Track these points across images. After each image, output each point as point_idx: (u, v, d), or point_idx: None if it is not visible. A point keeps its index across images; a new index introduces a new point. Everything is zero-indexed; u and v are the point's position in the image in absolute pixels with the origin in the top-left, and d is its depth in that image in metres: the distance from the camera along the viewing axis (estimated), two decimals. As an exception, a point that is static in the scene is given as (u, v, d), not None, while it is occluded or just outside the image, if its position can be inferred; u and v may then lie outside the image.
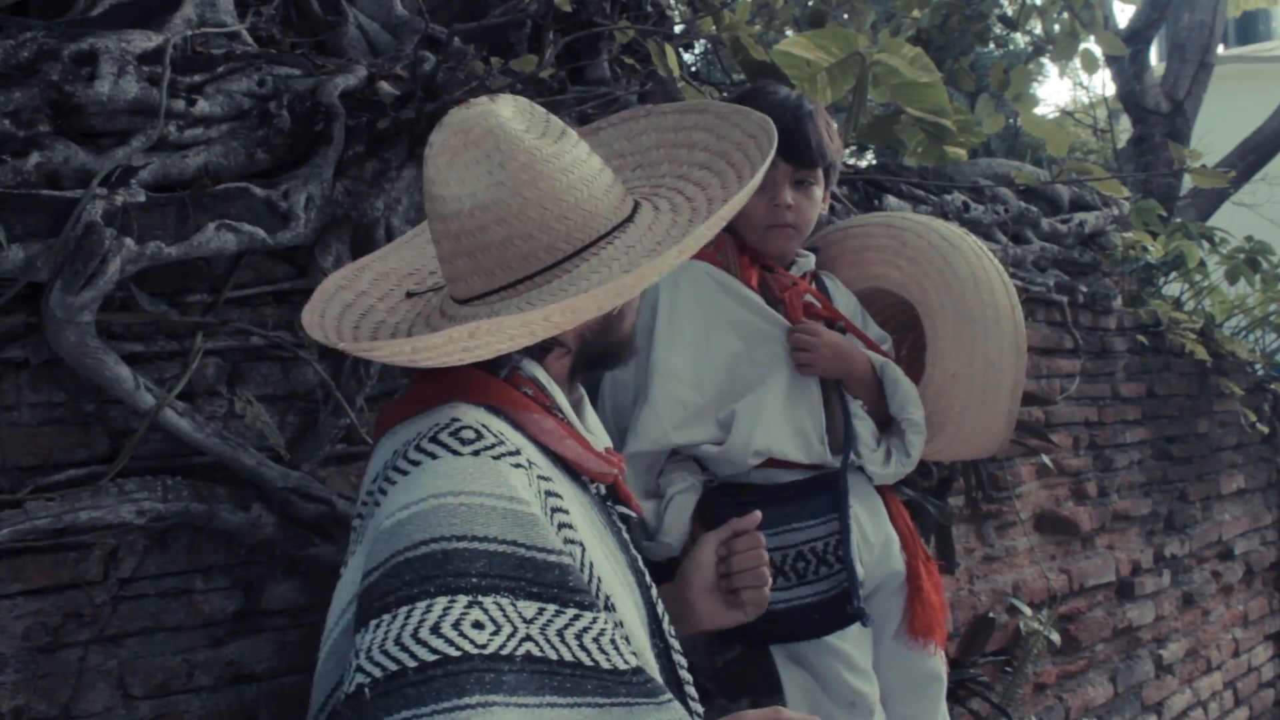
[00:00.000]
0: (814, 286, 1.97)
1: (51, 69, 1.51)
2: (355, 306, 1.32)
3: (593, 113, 2.17)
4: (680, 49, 2.78)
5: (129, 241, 1.47)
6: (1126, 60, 5.94)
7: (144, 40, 1.63)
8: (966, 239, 2.01)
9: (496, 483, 1.08)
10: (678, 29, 2.86)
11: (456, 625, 1.00)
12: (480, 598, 1.02)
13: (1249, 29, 15.74)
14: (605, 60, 2.40)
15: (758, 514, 1.45)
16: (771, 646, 1.86)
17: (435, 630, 0.99)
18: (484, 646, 1.00)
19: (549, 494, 1.14)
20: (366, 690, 0.98)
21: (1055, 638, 3.13)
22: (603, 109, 2.19)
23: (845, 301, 2.03)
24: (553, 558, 1.08)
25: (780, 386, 1.85)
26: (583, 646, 1.06)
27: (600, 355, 1.32)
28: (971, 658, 2.89)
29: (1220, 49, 6.85)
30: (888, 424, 1.95)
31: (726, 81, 3.12)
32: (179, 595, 1.56)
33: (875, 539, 1.91)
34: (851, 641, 1.84)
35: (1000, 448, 2.08)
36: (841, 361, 1.88)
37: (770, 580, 1.44)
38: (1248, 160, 6.21)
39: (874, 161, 3.93)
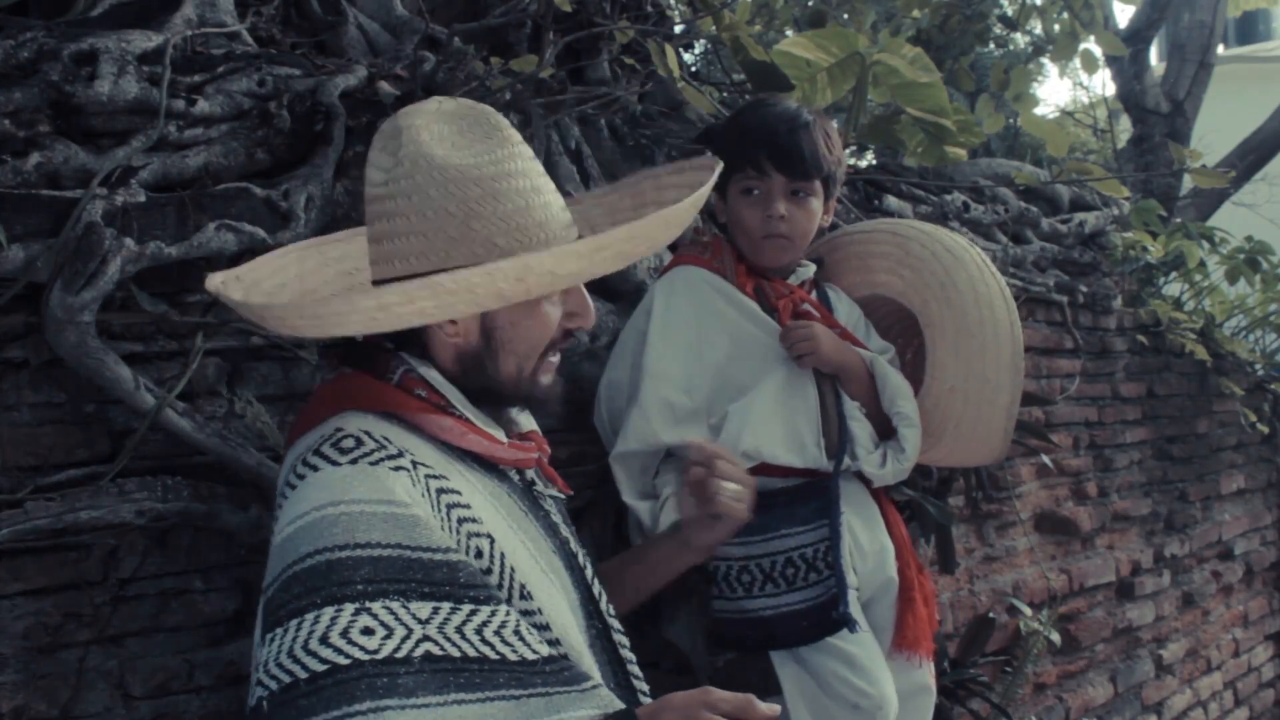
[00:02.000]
0: (813, 296, 1.96)
1: (51, 69, 1.51)
2: (306, 276, 1.36)
3: (593, 113, 2.17)
4: (680, 49, 2.78)
5: (129, 241, 1.47)
6: (1126, 60, 5.94)
7: (144, 40, 1.63)
8: (970, 251, 1.99)
9: (374, 489, 1.09)
10: (678, 29, 2.86)
11: (345, 633, 1.01)
12: (368, 604, 1.03)
13: (1249, 29, 15.74)
14: (605, 60, 2.40)
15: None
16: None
17: (324, 640, 1.01)
18: (375, 652, 1.01)
19: (441, 492, 1.15)
20: (265, 703, 1.01)
21: (1055, 638, 3.13)
22: (603, 109, 2.19)
23: (847, 313, 2.01)
24: (439, 556, 1.09)
25: (772, 390, 1.84)
26: (485, 641, 1.07)
27: (478, 390, 1.28)
28: (971, 658, 2.89)
29: (1220, 49, 6.85)
30: (887, 432, 1.94)
31: (726, 81, 3.12)
32: (179, 595, 1.56)
33: (870, 548, 1.90)
34: (855, 642, 1.82)
35: (997, 459, 2.08)
36: (839, 352, 1.88)
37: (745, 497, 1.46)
38: (1248, 160, 6.21)
39: (874, 161, 3.93)
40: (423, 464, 1.15)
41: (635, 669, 1.33)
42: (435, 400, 1.23)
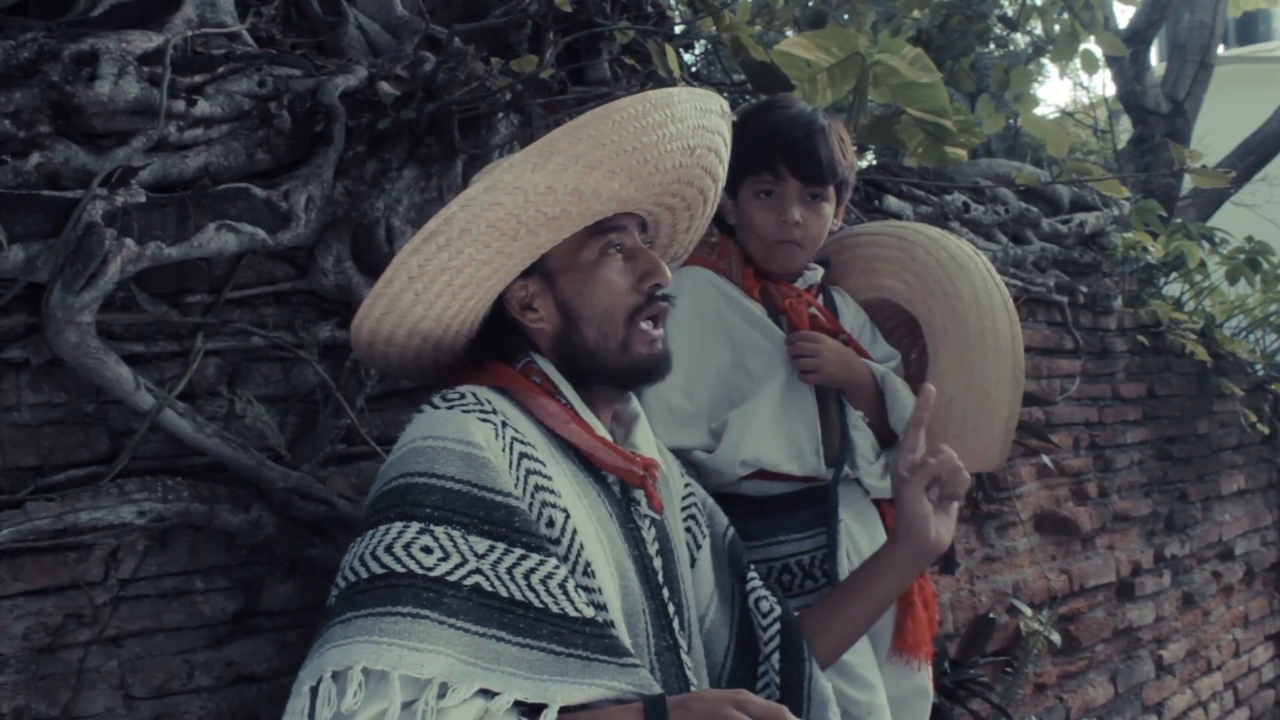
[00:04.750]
0: (820, 300, 1.94)
1: (52, 69, 1.51)
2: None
3: (593, 113, 2.16)
4: (680, 49, 2.78)
5: (129, 242, 1.47)
6: (1127, 61, 5.93)
7: (144, 40, 1.63)
8: (975, 260, 1.98)
9: (458, 429, 1.22)
10: (678, 29, 2.86)
11: (407, 547, 1.13)
12: (432, 526, 1.15)
13: (1249, 29, 15.72)
14: (605, 61, 2.40)
15: (930, 390, 1.50)
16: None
17: (389, 549, 1.13)
18: (430, 569, 1.12)
19: (524, 456, 1.25)
20: (334, 599, 1.14)
21: (1055, 638, 3.13)
22: (603, 109, 2.18)
23: (853, 318, 1.99)
24: (499, 498, 1.19)
25: (773, 397, 1.83)
26: (531, 587, 1.15)
27: (584, 371, 1.38)
28: (972, 658, 2.89)
29: (1220, 49, 6.85)
30: (889, 440, 1.92)
31: (726, 81, 3.12)
32: (179, 596, 1.56)
33: (869, 551, 1.88)
34: (848, 649, 1.81)
35: (996, 468, 2.08)
36: (845, 369, 1.86)
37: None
38: (1248, 160, 6.20)
39: (874, 162, 3.93)
40: (513, 429, 1.26)
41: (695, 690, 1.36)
42: (547, 386, 1.34)
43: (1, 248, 1.41)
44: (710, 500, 1.62)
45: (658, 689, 1.17)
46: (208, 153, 1.63)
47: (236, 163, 1.66)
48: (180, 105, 1.62)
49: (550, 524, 1.22)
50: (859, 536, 1.88)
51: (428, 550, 1.13)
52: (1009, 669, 3.01)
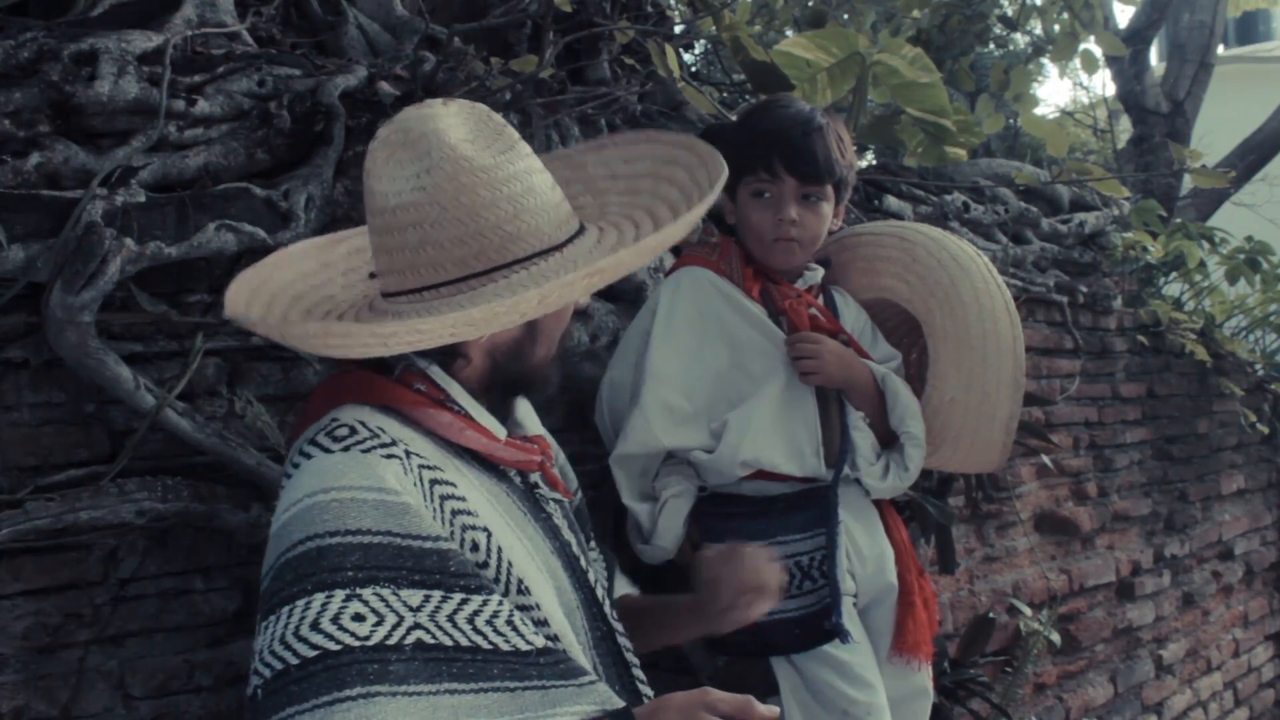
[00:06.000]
0: (820, 300, 1.94)
1: (51, 69, 1.51)
2: (314, 276, 1.34)
3: (593, 113, 2.17)
4: (680, 49, 2.78)
5: (129, 241, 1.47)
6: (1126, 60, 5.94)
7: (144, 40, 1.63)
8: (976, 261, 1.98)
9: (364, 475, 1.10)
10: (678, 29, 2.87)
11: (336, 619, 1.02)
12: (359, 590, 1.04)
13: (1249, 29, 15.72)
14: (605, 60, 2.41)
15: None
16: (768, 648, 1.85)
17: (315, 626, 1.01)
18: (366, 638, 1.02)
19: (435, 483, 1.15)
20: (259, 692, 1.01)
21: (1055, 638, 3.13)
22: (603, 109, 2.19)
23: (854, 318, 1.99)
24: (429, 544, 1.09)
25: (773, 398, 1.83)
26: (477, 630, 1.07)
27: (511, 379, 1.30)
28: (971, 658, 2.89)
29: (1220, 49, 6.85)
30: (890, 440, 1.92)
31: (726, 81, 3.13)
32: (179, 595, 1.56)
33: (870, 553, 1.89)
34: (848, 649, 1.81)
35: (996, 468, 2.08)
36: (845, 370, 1.86)
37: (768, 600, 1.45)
38: (1248, 160, 6.21)
39: (874, 161, 3.93)
40: (417, 455, 1.16)
41: (639, 673, 1.33)
42: (434, 395, 1.23)
43: (1, 248, 1.41)
44: (566, 464, 1.54)
45: (619, 703, 1.13)
46: (207, 152, 1.64)
47: (236, 162, 1.66)
48: (180, 105, 1.62)
49: (475, 548, 1.15)
50: (858, 535, 1.88)
51: (360, 618, 1.02)
52: (1009, 669, 3.01)
